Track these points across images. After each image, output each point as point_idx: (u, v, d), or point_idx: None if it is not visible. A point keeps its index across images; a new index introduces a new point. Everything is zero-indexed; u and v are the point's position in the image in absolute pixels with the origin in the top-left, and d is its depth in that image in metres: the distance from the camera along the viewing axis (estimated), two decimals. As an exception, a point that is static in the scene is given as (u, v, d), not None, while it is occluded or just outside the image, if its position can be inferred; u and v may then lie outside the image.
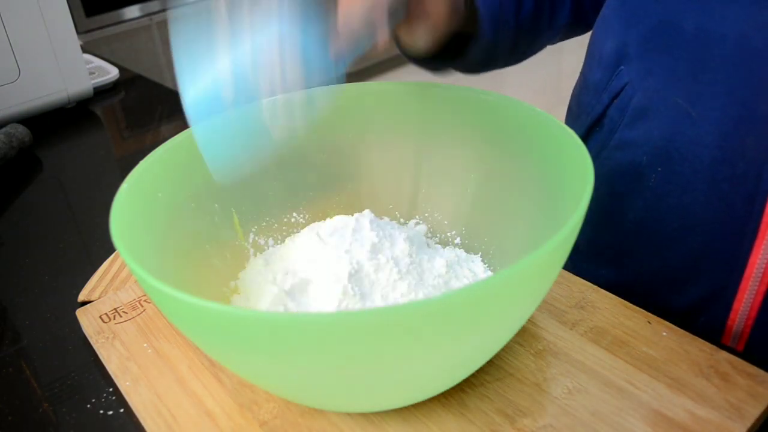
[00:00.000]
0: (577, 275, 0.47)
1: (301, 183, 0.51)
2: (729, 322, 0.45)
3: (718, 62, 0.41)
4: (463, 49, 0.50)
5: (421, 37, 0.45)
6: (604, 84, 0.50)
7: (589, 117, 0.51)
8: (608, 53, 0.49)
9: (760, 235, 0.41)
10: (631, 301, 0.44)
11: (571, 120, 0.56)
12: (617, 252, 0.51)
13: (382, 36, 0.40)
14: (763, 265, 0.42)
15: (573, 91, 0.58)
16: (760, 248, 0.42)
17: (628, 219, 0.49)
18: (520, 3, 0.52)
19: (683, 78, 0.43)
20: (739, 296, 0.44)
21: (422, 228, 0.50)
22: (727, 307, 0.45)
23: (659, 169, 0.45)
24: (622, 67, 0.48)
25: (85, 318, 0.48)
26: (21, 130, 0.77)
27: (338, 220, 0.44)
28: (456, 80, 0.51)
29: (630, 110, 0.47)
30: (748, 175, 0.41)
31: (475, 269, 0.45)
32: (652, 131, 0.46)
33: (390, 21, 0.41)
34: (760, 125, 0.40)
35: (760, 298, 0.43)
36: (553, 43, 0.61)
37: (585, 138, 0.52)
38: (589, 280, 0.46)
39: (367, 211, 0.46)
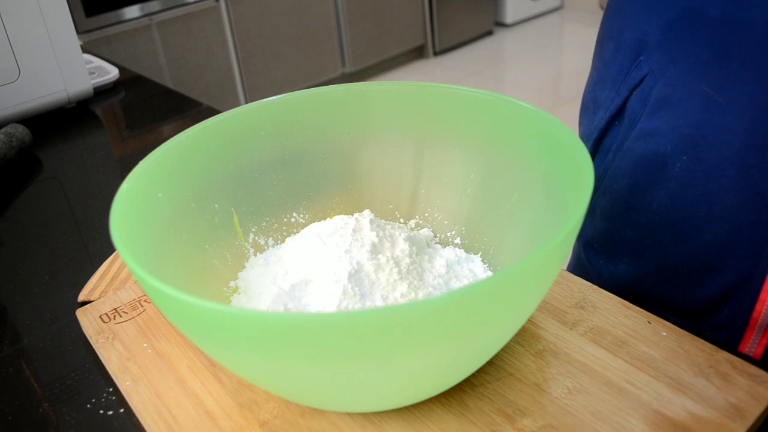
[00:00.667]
0: (592, 270, 0.46)
1: (301, 183, 0.51)
2: (754, 314, 0.45)
3: (747, 48, 0.41)
4: None
5: None
6: (623, 76, 0.49)
7: (608, 111, 0.51)
8: (627, 45, 0.49)
9: None
10: (651, 295, 0.43)
11: (589, 117, 0.56)
12: (638, 245, 0.51)
13: None
14: None
15: (585, 89, 0.57)
16: None
17: (652, 210, 0.48)
18: None
19: (709, 65, 0.43)
20: (766, 286, 0.43)
21: (427, 233, 0.50)
22: (753, 297, 0.44)
23: (684, 158, 0.45)
24: (642, 57, 0.47)
25: (85, 318, 0.48)
26: (21, 130, 0.77)
27: (338, 220, 0.44)
28: (456, 80, 0.51)
29: (652, 100, 0.47)
30: None
31: (475, 269, 0.45)
32: (677, 120, 0.45)
33: None
34: None
35: None
36: None
37: (605, 132, 0.52)
38: (605, 276, 0.46)
39: (366, 212, 0.46)
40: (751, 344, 0.46)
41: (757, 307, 0.44)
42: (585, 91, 0.57)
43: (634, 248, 0.51)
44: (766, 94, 0.40)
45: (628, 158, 0.49)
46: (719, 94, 0.43)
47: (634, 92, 0.48)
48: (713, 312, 0.47)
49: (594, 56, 0.56)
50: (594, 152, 0.54)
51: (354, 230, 0.43)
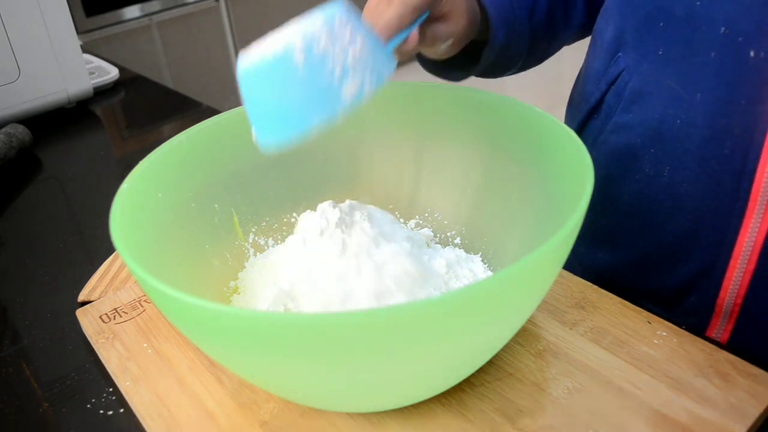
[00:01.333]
0: (573, 258, 0.47)
1: (301, 183, 0.51)
2: (719, 301, 0.46)
3: (708, 45, 0.42)
4: (478, 55, 0.51)
5: (441, 40, 0.45)
6: (602, 71, 0.51)
7: (587, 104, 0.53)
8: (608, 42, 0.51)
9: (747, 213, 0.43)
10: (625, 283, 0.45)
11: (572, 110, 0.57)
12: (613, 235, 0.53)
13: (412, 34, 0.41)
14: (752, 243, 0.43)
15: (575, 83, 0.59)
16: (748, 226, 0.43)
17: (623, 201, 0.50)
18: (533, 7, 0.53)
19: (675, 61, 0.44)
20: (728, 274, 0.45)
21: (427, 233, 0.50)
22: (717, 285, 0.46)
23: (652, 150, 0.47)
24: (620, 53, 0.49)
25: (85, 318, 0.48)
26: (21, 130, 0.77)
27: (334, 217, 0.44)
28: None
29: (626, 94, 0.48)
30: (735, 153, 0.42)
31: (475, 269, 0.45)
32: (647, 113, 0.47)
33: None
34: (746, 106, 0.41)
35: (748, 276, 0.44)
36: (569, 43, 0.62)
37: (583, 124, 0.54)
38: (586, 264, 0.47)
39: (371, 207, 0.46)
40: (718, 330, 0.48)
41: (721, 294, 0.46)
42: (573, 85, 0.59)
43: (610, 238, 0.53)
44: (724, 89, 0.42)
45: (603, 150, 0.51)
46: (683, 89, 0.44)
47: (612, 87, 0.50)
48: (682, 298, 0.49)
49: (587, 53, 0.57)
50: None
51: (354, 230, 0.43)
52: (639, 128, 0.48)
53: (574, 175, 0.37)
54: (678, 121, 0.45)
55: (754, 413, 0.36)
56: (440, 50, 0.46)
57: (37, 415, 0.42)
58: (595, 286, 0.46)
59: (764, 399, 0.36)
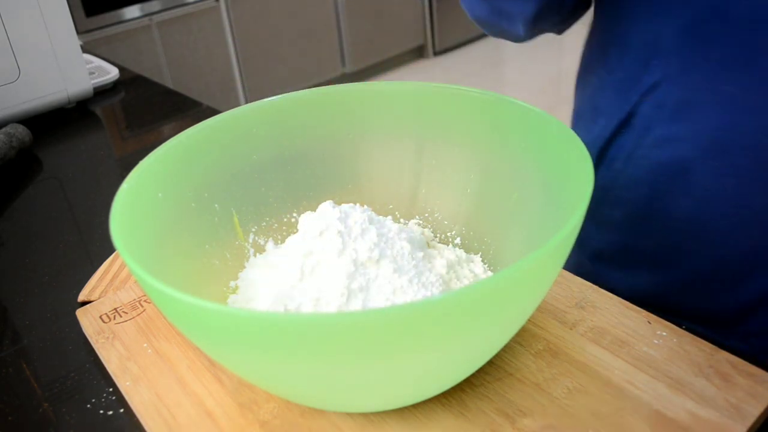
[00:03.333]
0: (604, 283, 0.44)
1: (301, 183, 0.51)
2: None
3: None
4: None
5: None
6: (631, 82, 0.48)
7: (614, 118, 0.49)
8: (635, 49, 0.47)
9: None
10: (675, 306, 0.41)
11: (586, 125, 0.54)
12: (660, 255, 0.49)
13: None
14: None
15: (581, 93, 0.55)
16: None
17: (675, 218, 0.47)
18: None
19: (735, 66, 0.41)
20: None
21: (427, 233, 0.50)
22: None
23: (711, 162, 0.44)
24: (655, 61, 0.46)
25: (85, 318, 0.48)
26: (21, 130, 0.77)
27: (334, 218, 0.44)
28: (456, 80, 0.51)
29: (670, 105, 0.45)
30: None
31: (475, 269, 0.45)
32: (700, 124, 0.44)
33: None
34: None
35: None
36: (562, 24, 0.57)
37: (610, 141, 0.50)
38: (621, 288, 0.44)
39: (366, 207, 0.46)
40: None
41: None
42: (580, 96, 0.56)
43: (654, 259, 0.50)
44: None
45: (643, 166, 0.47)
46: (747, 95, 0.41)
47: (647, 97, 0.47)
48: (745, 319, 0.45)
49: (589, 57, 0.55)
50: (597, 162, 0.52)
51: (353, 230, 0.43)
52: (692, 140, 0.44)
53: (574, 175, 0.37)
54: (746, 130, 0.42)
55: (754, 413, 0.36)
56: None
57: (37, 415, 0.42)
58: (595, 286, 0.46)
59: (764, 399, 0.36)
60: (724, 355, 0.39)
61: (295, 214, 0.51)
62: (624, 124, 0.49)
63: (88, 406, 0.42)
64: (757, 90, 0.41)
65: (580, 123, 0.55)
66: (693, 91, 0.44)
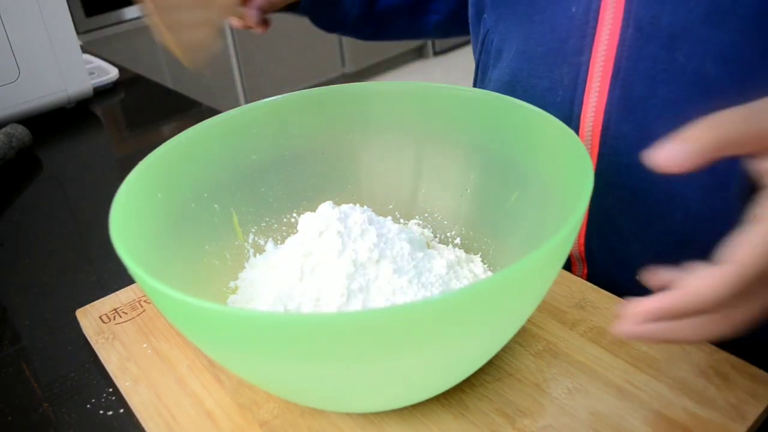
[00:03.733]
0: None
1: (300, 183, 0.51)
2: None
3: (545, 3, 0.49)
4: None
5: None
6: (475, 34, 0.58)
7: (474, 63, 0.60)
8: (476, 4, 0.57)
9: None
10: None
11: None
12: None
13: None
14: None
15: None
16: None
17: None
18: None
19: (522, 21, 0.51)
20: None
21: (427, 233, 0.50)
22: None
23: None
24: (485, 15, 0.56)
25: (85, 318, 0.48)
26: (21, 130, 0.77)
27: (334, 218, 0.44)
28: (456, 80, 0.51)
29: (493, 52, 0.55)
30: (565, 101, 0.48)
31: (475, 269, 0.45)
32: (504, 70, 0.53)
33: None
34: (570, 57, 0.47)
35: None
36: (439, 31, 0.71)
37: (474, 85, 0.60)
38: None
39: (366, 208, 0.46)
40: None
41: None
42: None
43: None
44: (557, 42, 0.48)
45: None
46: (526, 46, 0.50)
47: (483, 46, 0.56)
48: None
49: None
50: None
51: (353, 230, 0.43)
52: (497, 83, 0.53)
53: (574, 175, 0.37)
54: (525, 75, 0.50)
55: (754, 413, 0.36)
56: None
57: (37, 415, 0.42)
58: (595, 286, 0.46)
59: (764, 399, 0.36)
60: (724, 356, 0.39)
61: (294, 215, 0.51)
62: (477, 69, 0.59)
63: (88, 406, 0.42)
64: (529, 41, 0.50)
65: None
66: (502, 41, 0.53)
